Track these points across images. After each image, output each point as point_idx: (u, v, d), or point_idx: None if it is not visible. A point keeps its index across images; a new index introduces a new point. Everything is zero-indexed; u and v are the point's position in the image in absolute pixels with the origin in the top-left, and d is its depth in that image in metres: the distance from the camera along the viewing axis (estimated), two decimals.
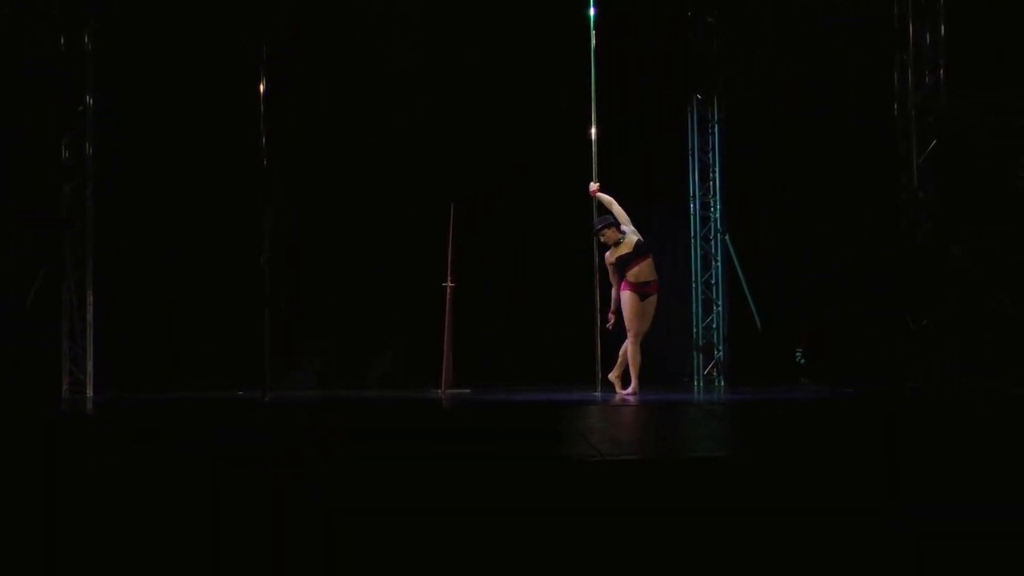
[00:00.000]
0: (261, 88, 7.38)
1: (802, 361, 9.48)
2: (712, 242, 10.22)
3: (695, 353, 10.06)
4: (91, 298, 8.50)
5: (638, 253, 7.49)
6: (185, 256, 8.73)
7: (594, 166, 7.55)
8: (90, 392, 8.38)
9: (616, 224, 7.52)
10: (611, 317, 7.56)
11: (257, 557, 2.94)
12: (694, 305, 10.13)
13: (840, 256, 8.83)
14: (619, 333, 7.71)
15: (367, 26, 9.19)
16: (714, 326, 10.14)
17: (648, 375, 9.63)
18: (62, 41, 8.45)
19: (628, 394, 7.41)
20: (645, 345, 10.08)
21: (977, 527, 3.07)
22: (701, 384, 9.85)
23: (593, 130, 7.59)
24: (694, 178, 10.23)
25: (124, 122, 8.65)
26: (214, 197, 8.74)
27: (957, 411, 5.86)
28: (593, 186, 7.58)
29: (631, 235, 7.52)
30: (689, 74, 10.09)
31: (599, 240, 7.57)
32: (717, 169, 10.21)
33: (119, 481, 3.33)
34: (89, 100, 8.53)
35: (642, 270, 7.52)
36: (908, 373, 7.68)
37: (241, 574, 2.92)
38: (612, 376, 7.63)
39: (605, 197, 7.60)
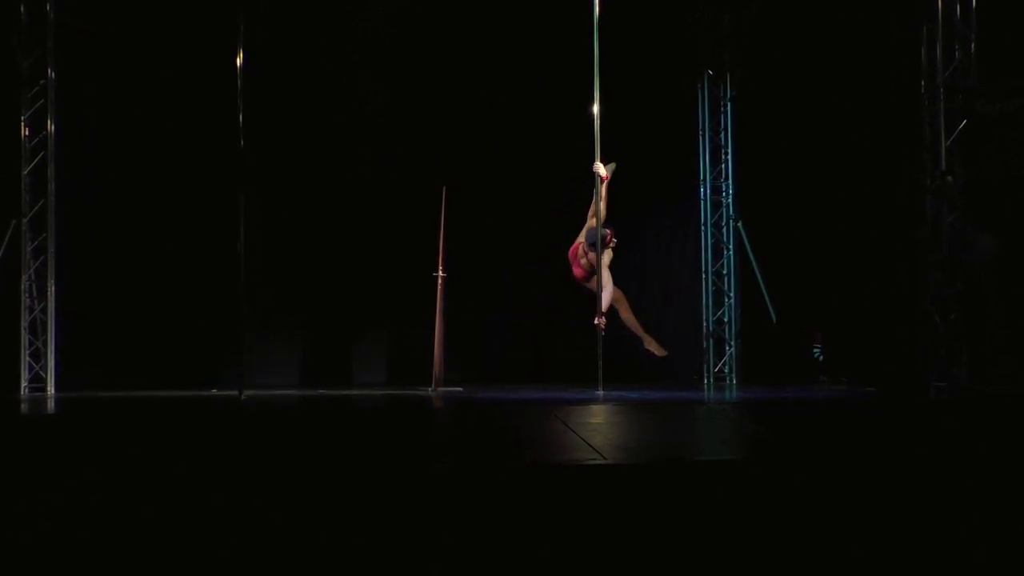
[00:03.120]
0: (238, 61, 7.37)
1: (820, 357, 9.51)
2: (724, 229, 10.24)
3: (706, 347, 10.09)
4: (52, 289, 8.50)
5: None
6: (156, 243, 8.73)
7: (597, 146, 7.55)
8: (51, 390, 8.39)
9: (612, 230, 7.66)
10: (603, 321, 7.54)
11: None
12: (704, 297, 10.17)
13: (861, 245, 8.85)
14: (616, 331, 7.77)
15: None
16: (726, 319, 10.17)
17: (655, 372, 9.71)
18: (22, 11, 8.43)
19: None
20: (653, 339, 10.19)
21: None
22: (711, 382, 9.89)
23: (596, 107, 7.58)
24: (705, 160, 10.25)
25: (89, 99, 8.64)
26: (187, 179, 8.74)
27: (987, 412, 5.89)
28: (600, 168, 7.55)
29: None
30: (699, 47, 10.11)
31: (607, 244, 7.61)
32: (729, 150, 10.23)
33: (75, 485, 3.35)
34: (51, 74, 8.51)
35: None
36: (933, 371, 7.71)
37: None
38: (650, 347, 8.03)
39: (604, 192, 7.61)
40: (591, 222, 7.69)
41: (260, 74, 8.29)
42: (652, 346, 8.18)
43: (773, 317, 9.69)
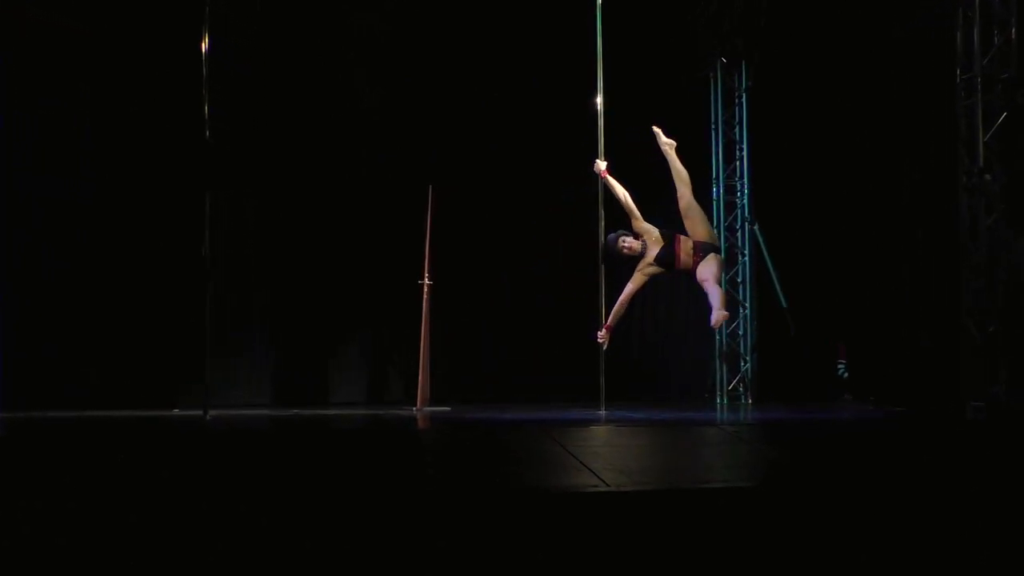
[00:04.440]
0: (204, 46, 7.35)
1: (844, 374, 9.51)
2: (738, 233, 10.25)
3: (718, 362, 10.09)
4: None
5: (671, 240, 7.49)
6: (112, 245, 8.68)
7: (600, 141, 7.55)
8: None
9: (631, 232, 7.54)
10: (606, 334, 7.50)
11: None
12: None
13: (890, 250, 8.86)
14: (621, 345, 7.76)
15: None
16: (740, 332, 10.18)
17: (663, 390, 9.71)
18: None
19: None
20: (658, 355, 10.17)
21: None
22: (725, 401, 9.88)
23: (599, 99, 7.58)
24: (718, 157, 10.28)
25: (36, 79, 8.59)
26: (147, 174, 8.69)
27: None
28: (600, 165, 7.57)
29: (648, 228, 7.54)
30: (711, 33, 10.13)
31: (622, 255, 7.54)
32: (745, 146, 10.26)
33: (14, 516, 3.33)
34: None
35: (688, 247, 7.49)
36: (970, 389, 7.70)
37: None
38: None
39: (611, 181, 7.61)
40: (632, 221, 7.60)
41: (233, 60, 8.30)
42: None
43: (792, 329, 9.69)
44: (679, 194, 7.49)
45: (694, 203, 7.52)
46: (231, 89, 8.40)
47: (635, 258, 7.52)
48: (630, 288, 7.53)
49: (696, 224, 7.50)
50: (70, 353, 8.53)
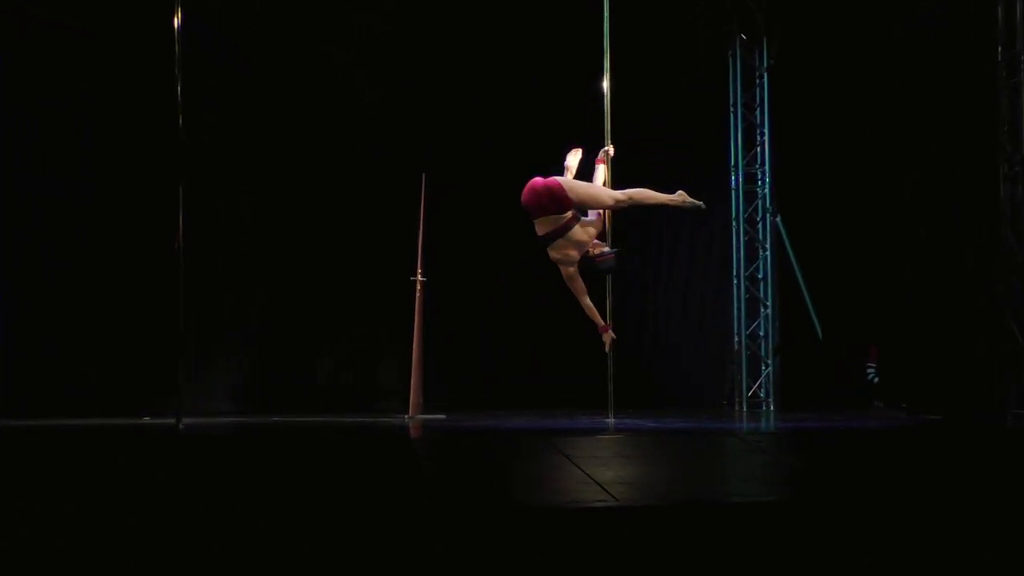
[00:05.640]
0: (176, 22, 7.35)
1: (875, 379, 9.52)
2: (759, 225, 10.25)
3: (737, 366, 10.10)
4: None
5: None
6: (79, 245, 8.69)
7: (607, 126, 7.54)
8: None
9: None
10: (609, 333, 7.43)
11: None
12: (736, 306, 10.18)
13: (924, 245, 8.85)
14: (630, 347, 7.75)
15: None
16: (761, 333, 10.18)
17: (678, 396, 9.70)
18: None
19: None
20: (672, 357, 10.18)
21: None
22: (744, 408, 9.88)
23: (606, 82, 7.58)
24: (736, 143, 10.27)
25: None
26: (115, 164, 8.71)
27: None
28: (610, 150, 7.54)
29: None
30: (729, 7, 10.13)
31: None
32: (766, 131, 10.25)
33: None
34: None
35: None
36: (1011, 395, 7.70)
37: None
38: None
39: (599, 170, 7.47)
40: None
41: (208, 39, 8.32)
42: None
43: (818, 331, 9.69)
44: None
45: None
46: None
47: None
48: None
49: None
50: (35, 358, 8.54)
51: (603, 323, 7.12)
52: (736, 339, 10.15)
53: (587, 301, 6.98)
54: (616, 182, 7.39)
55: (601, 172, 7.25)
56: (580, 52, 8.03)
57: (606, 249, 7.06)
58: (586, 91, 7.94)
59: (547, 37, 9.30)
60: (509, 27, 9.41)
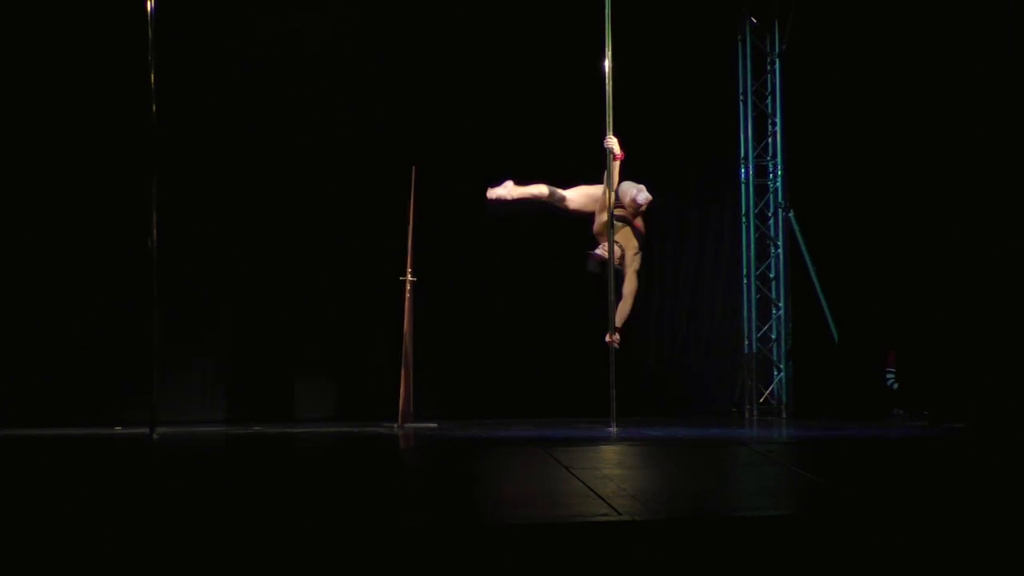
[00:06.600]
0: (149, 5, 7.34)
1: (894, 385, 9.53)
2: (771, 221, 10.27)
3: (748, 371, 10.10)
4: None
5: (629, 223, 7.80)
6: (44, 240, 8.69)
7: (608, 114, 7.55)
8: None
9: (595, 245, 7.74)
10: (617, 338, 7.56)
11: None
12: (746, 308, 10.20)
13: (948, 242, 8.87)
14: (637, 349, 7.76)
15: None
16: (773, 336, 10.19)
17: (684, 403, 9.71)
18: None
19: None
20: (678, 362, 10.18)
21: None
22: (755, 416, 9.89)
23: (607, 64, 7.59)
24: (747, 133, 10.29)
25: None
26: (84, 155, 8.71)
27: None
28: (615, 145, 7.56)
29: (604, 219, 7.67)
30: None
31: (600, 270, 7.69)
32: (778, 121, 10.27)
33: None
34: None
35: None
36: None
37: None
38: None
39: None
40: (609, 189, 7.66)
41: (184, 22, 8.34)
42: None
43: (834, 333, 9.70)
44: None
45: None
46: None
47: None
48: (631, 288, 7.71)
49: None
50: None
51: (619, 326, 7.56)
52: (746, 342, 10.16)
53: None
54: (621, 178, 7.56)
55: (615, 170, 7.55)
56: (578, 43, 8.04)
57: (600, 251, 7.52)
58: (585, 83, 7.94)
59: (545, 26, 9.32)
60: (507, 17, 9.43)
